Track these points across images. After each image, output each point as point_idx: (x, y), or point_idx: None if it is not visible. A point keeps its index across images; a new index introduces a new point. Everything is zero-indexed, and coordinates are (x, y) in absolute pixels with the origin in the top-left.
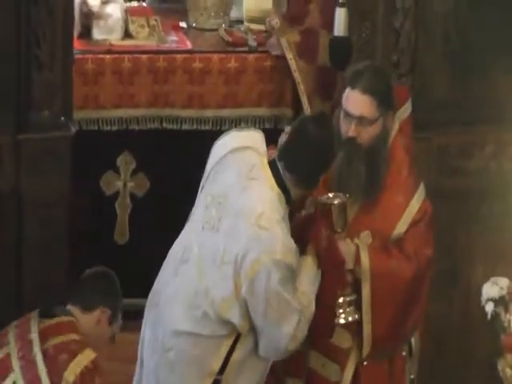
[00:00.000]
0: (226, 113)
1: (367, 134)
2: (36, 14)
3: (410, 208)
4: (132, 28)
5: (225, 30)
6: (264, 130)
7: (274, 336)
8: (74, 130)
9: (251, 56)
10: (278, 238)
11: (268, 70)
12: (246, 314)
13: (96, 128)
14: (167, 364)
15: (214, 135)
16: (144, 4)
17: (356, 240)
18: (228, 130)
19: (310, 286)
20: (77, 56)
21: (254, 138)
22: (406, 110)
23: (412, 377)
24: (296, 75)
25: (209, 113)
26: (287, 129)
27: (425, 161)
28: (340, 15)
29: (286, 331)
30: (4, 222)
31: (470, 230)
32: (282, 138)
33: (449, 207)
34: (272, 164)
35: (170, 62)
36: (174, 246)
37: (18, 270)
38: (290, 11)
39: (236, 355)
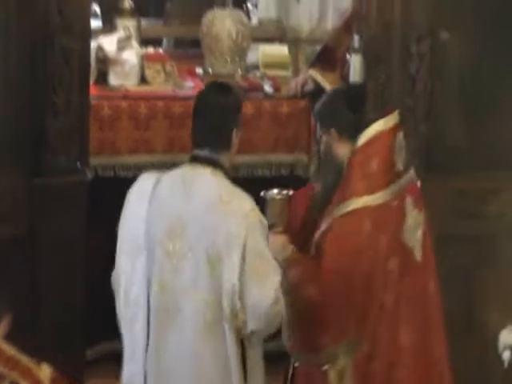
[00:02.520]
0: (241, 159)
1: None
2: (52, 60)
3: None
4: (148, 74)
5: (241, 75)
6: (280, 177)
7: (260, 297)
8: (90, 175)
9: (267, 102)
10: (244, 199)
11: (284, 115)
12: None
13: (112, 174)
14: None
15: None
16: (160, 50)
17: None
18: (243, 175)
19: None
20: (93, 102)
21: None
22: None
23: None
24: None
25: None
26: None
27: (440, 204)
28: (355, 61)
29: (270, 291)
30: (19, 268)
31: (485, 274)
32: None
33: (464, 251)
34: (194, 156)
35: (186, 107)
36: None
37: (35, 312)
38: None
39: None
